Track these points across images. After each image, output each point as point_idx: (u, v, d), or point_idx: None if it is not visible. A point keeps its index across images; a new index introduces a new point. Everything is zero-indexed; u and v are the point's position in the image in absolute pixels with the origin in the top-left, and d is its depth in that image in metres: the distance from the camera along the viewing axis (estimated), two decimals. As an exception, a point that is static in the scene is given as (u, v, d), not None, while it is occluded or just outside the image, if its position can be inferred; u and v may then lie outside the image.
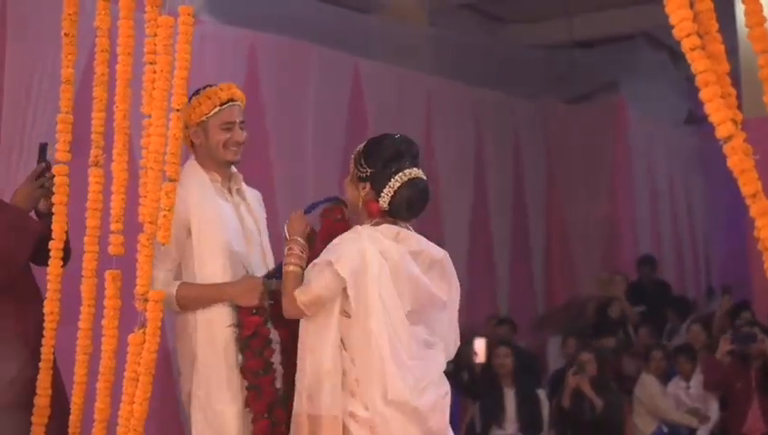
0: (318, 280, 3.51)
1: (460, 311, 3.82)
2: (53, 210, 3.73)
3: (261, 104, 7.64)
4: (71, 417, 3.68)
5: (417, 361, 3.53)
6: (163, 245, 3.50)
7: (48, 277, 3.72)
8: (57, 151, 3.75)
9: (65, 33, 3.77)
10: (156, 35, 3.47)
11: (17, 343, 3.72)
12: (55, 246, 3.71)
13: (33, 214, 3.89)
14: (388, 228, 3.60)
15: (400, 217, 3.63)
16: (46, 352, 3.70)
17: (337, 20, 8.83)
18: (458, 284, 3.75)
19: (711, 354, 8.16)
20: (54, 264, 3.72)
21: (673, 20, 2.56)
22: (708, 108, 2.52)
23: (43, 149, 3.89)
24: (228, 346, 3.72)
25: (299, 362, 3.59)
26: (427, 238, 3.73)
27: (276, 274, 3.78)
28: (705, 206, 14.35)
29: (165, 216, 3.42)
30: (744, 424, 7.55)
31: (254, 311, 3.72)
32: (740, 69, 7.74)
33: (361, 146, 3.69)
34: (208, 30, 7.01)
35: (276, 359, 3.77)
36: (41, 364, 3.69)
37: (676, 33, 2.56)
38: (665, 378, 8.44)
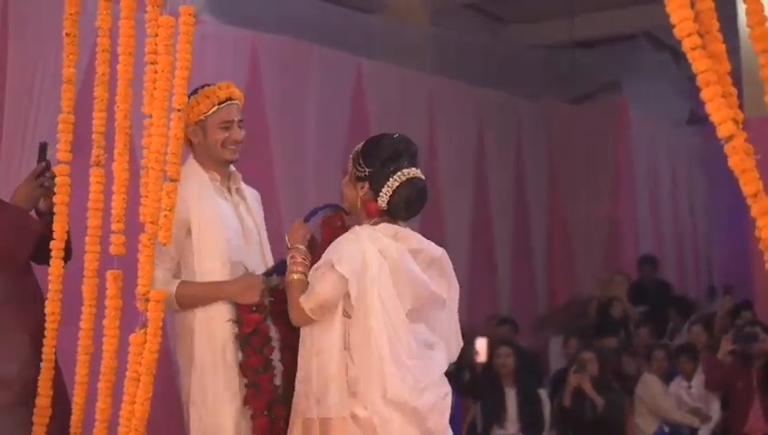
0: (321, 284, 3.51)
1: (461, 311, 3.83)
2: (55, 210, 3.73)
3: (262, 104, 7.64)
4: (72, 417, 3.68)
5: (416, 360, 3.53)
6: (164, 245, 3.50)
7: (49, 277, 3.72)
8: (59, 151, 3.75)
9: (67, 33, 3.77)
10: (157, 35, 3.47)
11: (18, 343, 3.72)
12: (56, 246, 3.71)
13: (33, 213, 3.89)
14: (386, 227, 3.60)
15: (399, 216, 3.63)
16: (48, 352, 3.70)
17: (339, 20, 8.83)
18: (457, 282, 3.76)
19: (712, 354, 8.16)
20: (56, 264, 3.72)
21: (674, 19, 2.55)
22: (709, 107, 2.52)
23: (42, 148, 3.90)
24: (227, 345, 3.73)
25: (302, 364, 3.59)
26: (429, 238, 3.74)
27: (276, 271, 3.79)
28: (707, 205, 14.34)
29: (166, 216, 3.42)
30: (745, 424, 7.54)
31: (254, 308, 3.73)
32: (741, 69, 7.73)
33: (360, 146, 3.69)
34: (209, 30, 7.01)
35: (276, 356, 3.77)
36: (42, 364, 3.69)
37: (676, 32, 2.56)
38: (666, 378, 8.44)
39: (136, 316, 3.50)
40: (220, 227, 3.78)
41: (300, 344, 3.63)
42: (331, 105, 8.32)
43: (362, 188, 3.64)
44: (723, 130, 2.50)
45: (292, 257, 3.67)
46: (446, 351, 3.70)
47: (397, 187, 3.58)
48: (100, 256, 3.66)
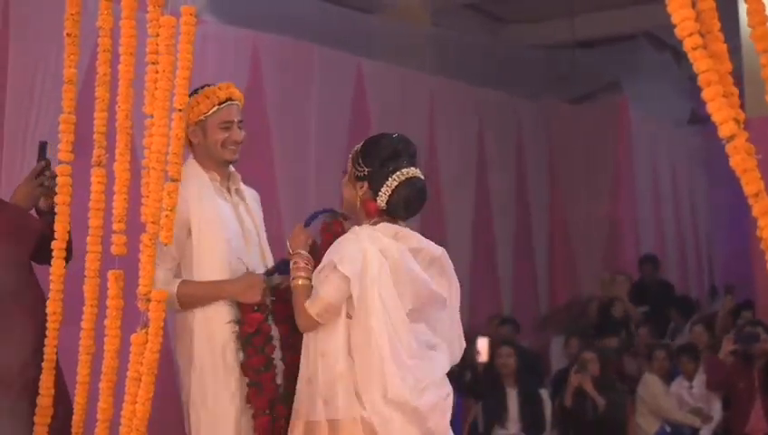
0: (325, 288, 3.52)
1: (462, 311, 3.83)
2: (56, 210, 3.73)
3: (263, 104, 7.64)
4: (74, 417, 3.68)
5: (417, 360, 3.53)
6: (166, 245, 3.50)
7: (51, 277, 3.72)
8: (60, 151, 3.75)
9: (68, 34, 3.77)
10: (158, 35, 3.47)
11: (19, 343, 3.72)
12: (58, 247, 3.71)
13: (33, 212, 3.89)
14: (386, 227, 3.60)
15: (398, 216, 3.63)
16: (49, 352, 3.70)
17: (339, 20, 8.84)
18: (458, 281, 3.76)
19: (714, 354, 8.16)
20: (57, 264, 3.72)
21: (675, 19, 2.55)
22: (710, 107, 2.52)
23: (42, 147, 3.90)
24: (227, 345, 3.73)
25: (306, 366, 3.59)
26: (430, 238, 3.73)
27: (276, 270, 3.80)
28: (708, 205, 14.34)
29: (167, 216, 3.42)
30: (746, 424, 7.54)
31: (256, 308, 3.73)
32: (742, 68, 7.72)
33: (359, 146, 3.70)
34: (210, 30, 7.02)
35: (277, 355, 3.78)
36: (44, 364, 3.69)
37: (677, 32, 2.55)
38: (668, 378, 8.44)
39: (137, 316, 3.50)
40: (220, 227, 3.78)
41: (303, 346, 3.63)
42: (331, 105, 8.32)
43: (361, 187, 3.64)
44: (724, 130, 2.50)
45: (295, 263, 3.67)
46: (449, 352, 3.70)
47: (396, 186, 3.58)
48: (101, 256, 3.66)
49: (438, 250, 3.70)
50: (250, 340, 3.71)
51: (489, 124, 10.61)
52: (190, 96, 3.71)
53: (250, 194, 4.04)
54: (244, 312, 3.73)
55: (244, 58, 7.56)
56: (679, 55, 10.63)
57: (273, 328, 3.79)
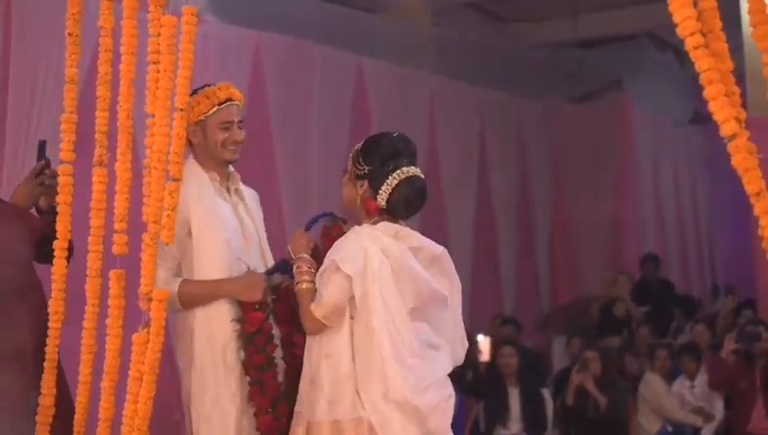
0: (328, 288, 3.52)
1: (464, 310, 3.82)
2: (58, 210, 3.73)
3: (265, 104, 7.65)
4: (75, 416, 3.68)
5: (418, 359, 3.53)
6: (167, 244, 3.50)
7: (53, 277, 3.72)
8: (61, 151, 3.75)
9: (69, 33, 3.77)
10: (159, 35, 3.47)
11: (21, 343, 3.72)
12: (59, 246, 3.71)
13: (33, 211, 3.89)
14: (386, 226, 3.60)
15: (398, 214, 3.63)
16: (51, 351, 3.70)
17: (341, 20, 8.84)
18: (459, 281, 3.75)
19: (715, 353, 8.16)
20: (59, 263, 3.72)
21: (676, 18, 2.55)
22: (712, 106, 2.52)
23: (41, 146, 3.90)
24: (227, 344, 3.74)
25: (309, 366, 3.59)
26: (432, 238, 3.73)
27: (276, 270, 3.80)
28: (710, 204, 14.34)
29: (169, 215, 3.42)
30: (748, 423, 7.54)
31: (257, 307, 3.73)
32: (744, 67, 7.72)
33: (359, 145, 3.69)
34: (212, 30, 7.02)
35: (278, 354, 3.78)
36: (45, 364, 3.69)
37: (679, 31, 2.55)
38: (670, 377, 8.44)
39: (139, 316, 3.50)
40: (220, 226, 3.79)
41: (306, 347, 3.63)
42: (332, 105, 8.33)
43: (362, 186, 3.64)
44: (726, 129, 2.50)
45: (298, 267, 3.67)
46: (451, 353, 3.69)
47: (396, 184, 3.58)
48: (103, 255, 3.66)
49: (439, 249, 3.69)
50: (251, 339, 3.71)
51: (490, 124, 10.61)
52: (190, 96, 3.71)
53: (249, 194, 4.04)
54: (245, 311, 3.73)
55: (246, 58, 7.57)
56: (681, 55, 10.63)
57: (275, 327, 3.79)
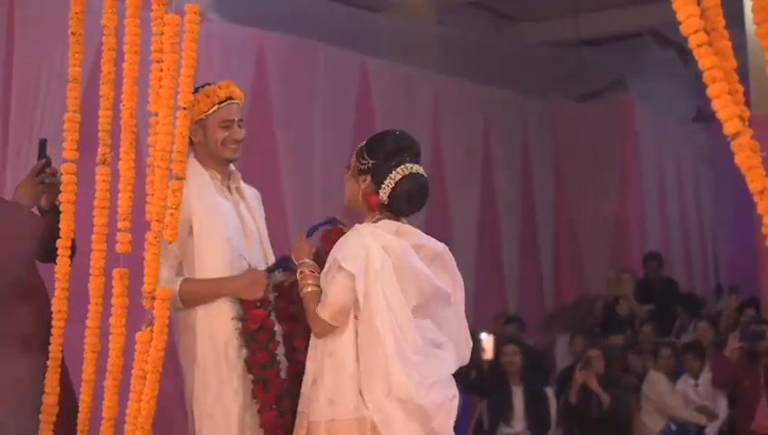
0: (332, 289, 3.52)
1: (468, 309, 3.82)
2: (61, 209, 3.73)
3: (268, 103, 7.65)
4: (79, 415, 3.69)
5: (422, 357, 3.52)
6: (170, 243, 3.51)
7: (56, 276, 3.73)
8: (65, 150, 3.75)
9: (72, 32, 3.77)
10: (162, 34, 3.47)
11: (24, 342, 3.72)
12: (63, 245, 3.71)
13: (35, 210, 3.89)
14: (387, 224, 3.60)
15: (400, 210, 3.63)
16: (54, 350, 3.71)
17: (345, 19, 8.84)
18: (461, 279, 3.75)
19: (719, 352, 8.16)
20: (62, 262, 3.72)
21: (680, 16, 2.55)
22: (716, 104, 2.52)
23: (42, 145, 3.90)
24: (229, 342, 3.75)
25: (312, 366, 3.59)
26: (436, 237, 3.73)
27: (277, 267, 3.81)
28: (714, 203, 14.33)
29: (172, 214, 3.42)
30: (752, 421, 7.54)
31: (258, 304, 3.74)
32: (748, 65, 7.71)
33: (363, 142, 3.70)
34: (215, 28, 7.02)
35: (280, 351, 3.79)
36: (49, 362, 3.69)
37: (683, 29, 2.55)
38: (673, 376, 8.43)
39: (142, 314, 3.50)
40: (221, 225, 3.80)
41: (310, 347, 3.63)
42: (336, 104, 8.33)
43: (364, 181, 3.64)
44: (729, 127, 2.49)
45: (301, 273, 3.68)
46: (456, 353, 3.69)
47: (399, 179, 3.58)
48: (106, 254, 3.66)
49: (440, 246, 3.69)
50: (254, 336, 3.72)
51: (494, 123, 10.61)
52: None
53: (251, 192, 4.05)
54: (246, 308, 3.73)
55: (249, 57, 7.57)
56: (685, 53, 10.62)
57: (277, 324, 3.80)
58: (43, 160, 3.87)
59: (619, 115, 11.81)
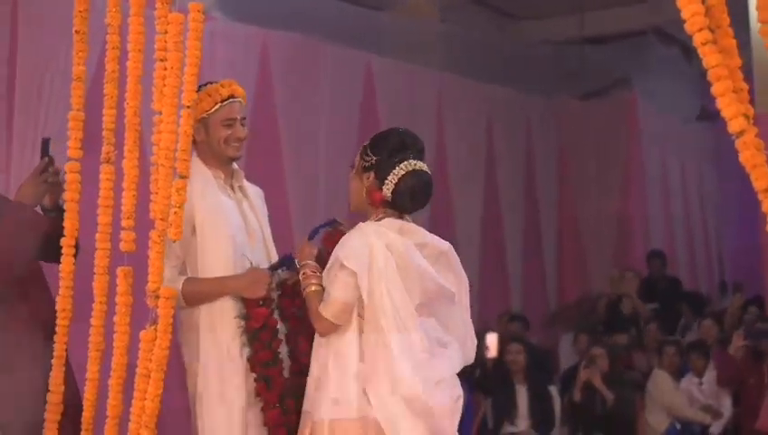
0: (334, 287, 3.53)
1: (472, 307, 3.82)
2: (65, 207, 3.74)
3: (272, 102, 7.65)
4: (83, 414, 3.69)
5: (427, 355, 3.52)
6: (174, 241, 3.51)
7: (60, 274, 3.73)
8: (69, 148, 3.75)
9: (76, 31, 3.77)
10: (166, 32, 3.47)
11: (29, 341, 3.72)
12: (67, 243, 3.71)
13: (38, 209, 3.89)
14: (391, 222, 3.60)
15: (403, 207, 3.62)
16: (59, 348, 3.71)
17: (349, 17, 8.83)
18: (466, 277, 3.74)
19: (724, 350, 8.15)
20: (66, 261, 3.72)
21: (684, 14, 2.55)
22: (720, 103, 2.52)
23: (45, 144, 3.89)
24: (232, 340, 3.74)
25: (316, 365, 3.59)
26: (439, 235, 3.73)
27: (280, 265, 3.81)
28: (718, 201, 14.31)
29: (176, 212, 3.43)
30: (756, 420, 7.52)
31: (261, 303, 3.74)
32: (752, 63, 7.70)
33: (367, 141, 3.70)
34: (219, 27, 7.02)
35: (283, 350, 3.79)
36: (53, 361, 3.70)
37: (687, 27, 2.55)
38: (678, 374, 8.42)
39: (146, 313, 3.50)
40: (224, 223, 3.79)
41: (314, 346, 3.63)
42: (340, 102, 8.33)
43: (368, 178, 3.64)
44: (734, 126, 2.49)
45: (304, 273, 3.68)
46: (462, 352, 3.68)
47: (402, 175, 3.58)
48: (110, 252, 3.66)
49: (445, 245, 3.69)
50: (257, 335, 3.72)
51: (498, 121, 10.61)
52: (193, 93, 3.71)
53: (254, 191, 4.05)
54: (249, 307, 3.74)
55: (253, 55, 7.57)
56: (689, 51, 10.60)
57: (280, 323, 3.80)
58: (46, 159, 3.86)
59: (623, 113, 11.80)
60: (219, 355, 3.75)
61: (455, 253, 3.72)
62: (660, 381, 8.31)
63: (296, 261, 3.77)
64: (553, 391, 8.19)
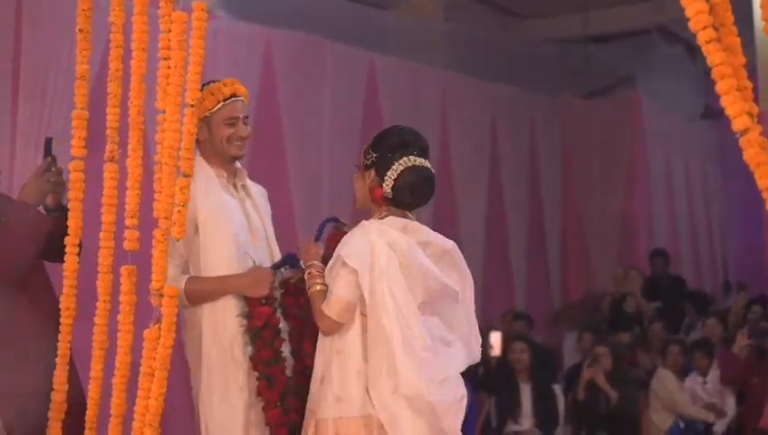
0: (337, 286, 3.53)
1: (476, 306, 3.81)
2: (69, 206, 3.74)
3: (276, 100, 7.66)
4: (87, 412, 3.69)
5: (431, 353, 3.51)
6: (178, 240, 3.51)
7: (64, 273, 3.73)
8: (73, 147, 3.75)
9: (80, 30, 3.77)
10: (170, 31, 3.47)
11: (32, 341, 3.73)
12: (71, 242, 3.71)
13: (41, 209, 3.89)
14: (394, 221, 3.60)
15: (404, 203, 3.62)
16: (63, 347, 3.71)
17: (352, 15, 8.84)
18: (471, 276, 3.74)
19: (727, 349, 8.15)
20: (70, 260, 3.72)
21: (688, 12, 2.54)
22: (724, 101, 2.51)
23: (48, 143, 3.89)
24: (234, 339, 3.75)
25: (320, 364, 3.59)
26: (443, 234, 3.73)
27: (283, 264, 3.81)
28: (722, 200, 14.30)
29: (179, 211, 3.42)
30: (760, 418, 7.52)
31: (264, 301, 3.74)
32: (756, 61, 7.70)
33: (371, 140, 3.71)
34: (223, 26, 7.03)
35: (285, 348, 3.79)
36: (57, 360, 3.70)
37: (691, 25, 2.55)
38: (682, 373, 8.42)
39: (150, 312, 3.50)
40: (227, 222, 3.80)
41: (318, 345, 3.63)
42: (344, 100, 8.34)
43: (369, 175, 3.64)
44: (738, 124, 2.49)
45: (309, 273, 3.68)
46: (466, 351, 3.68)
47: (401, 171, 3.58)
48: (114, 251, 3.66)
49: (449, 243, 3.69)
50: (259, 333, 3.72)
51: (502, 119, 10.61)
52: (197, 92, 3.71)
53: (257, 190, 4.05)
54: (251, 306, 3.73)
55: (257, 54, 7.58)
56: (693, 50, 10.61)
57: (282, 321, 3.80)
58: (49, 159, 3.86)
59: (627, 112, 11.80)
60: (222, 354, 3.75)
61: (459, 251, 3.71)
62: (664, 379, 8.31)
63: (300, 261, 3.77)
64: (557, 389, 8.19)
